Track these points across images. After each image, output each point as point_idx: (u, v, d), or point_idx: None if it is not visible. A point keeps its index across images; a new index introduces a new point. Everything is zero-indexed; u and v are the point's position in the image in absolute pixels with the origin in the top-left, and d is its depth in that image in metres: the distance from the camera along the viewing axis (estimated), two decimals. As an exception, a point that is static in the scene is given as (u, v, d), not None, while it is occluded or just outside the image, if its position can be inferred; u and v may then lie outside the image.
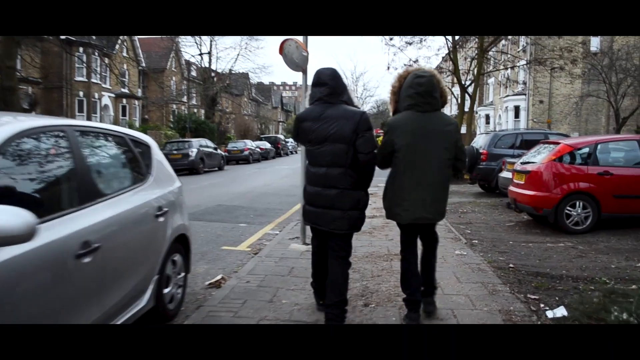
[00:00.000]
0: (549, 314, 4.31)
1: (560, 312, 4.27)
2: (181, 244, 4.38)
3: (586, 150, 8.30)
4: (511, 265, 6.02)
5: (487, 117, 47.91)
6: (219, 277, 5.48)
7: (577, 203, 8.06)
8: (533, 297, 4.81)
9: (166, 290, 4.01)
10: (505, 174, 11.93)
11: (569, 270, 5.86)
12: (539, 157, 8.80)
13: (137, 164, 3.89)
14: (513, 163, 11.52)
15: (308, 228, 4.48)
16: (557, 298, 4.79)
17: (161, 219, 3.84)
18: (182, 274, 4.42)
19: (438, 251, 6.33)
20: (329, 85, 3.72)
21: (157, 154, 4.29)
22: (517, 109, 40.52)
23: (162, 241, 3.87)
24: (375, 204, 11.79)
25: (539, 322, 4.13)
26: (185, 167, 23.52)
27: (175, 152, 23.74)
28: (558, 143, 8.64)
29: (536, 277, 5.55)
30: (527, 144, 13.75)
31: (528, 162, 8.99)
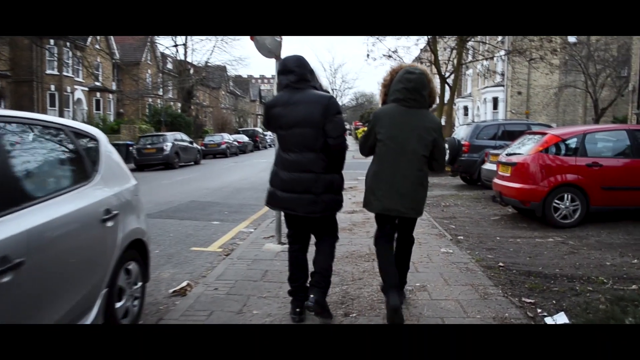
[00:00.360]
0: (548, 320, 3.91)
1: (561, 319, 3.87)
2: (137, 250, 3.87)
3: (574, 140, 7.95)
4: (501, 264, 5.63)
5: (466, 108, 47.89)
6: (184, 283, 4.98)
7: (566, 196, 7.71)
8: (528, 300, 4.41)
9: (119, 304, 3.50)
10: (489, 166, 11.57)
11: (562, 269, 5.48)
12: (525, 148, 8.43)
13: (80, 161, 3.35)
14: (496, 155, 11.17)
15: (284, 226, 4.24)
16: (554, 301, 4.40)
17: (110, 224, 3.33)
18: (139, 284, 3.90)
19: (423, 249, 5.97)
20: (296, 73, 3.70)
21: (107, 148, 3.75)
22: (495, 101, 40.49)
23: (112, 249, 3.36)
24: (354, 198, 11.38)
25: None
26: (159, 162, 22.92)
27: (149, 146, 23.06)
28: (545, 133, 8.28)
29: (529, 277, 5.17)
30: (509, 135, 13.45)
31: (514, 154, 8.62)
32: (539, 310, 4.16)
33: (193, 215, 9.45)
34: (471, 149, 13.34)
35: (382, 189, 3.81)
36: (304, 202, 3.64)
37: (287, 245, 4.19)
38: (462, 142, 13.48)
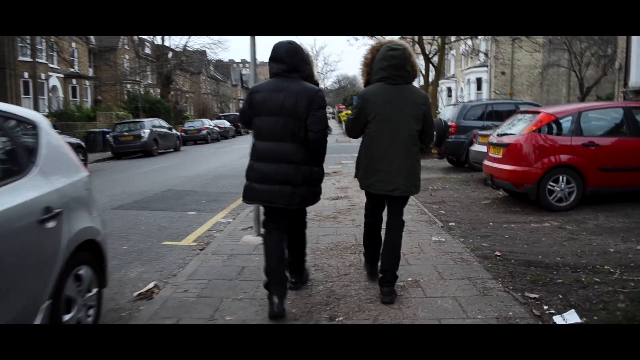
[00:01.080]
0: (558, 319, 3.49)
1: (572, 317, 3.46)
2: (91, 252, 3.37)
3: (569, 119, 7.53)
4: (497, 253, 5.21)
5: (449, 90, 47.58)
6: (151, 284, 4.48)
7: (561, 177, 7.31)
8: (532, 295, 3.98)
9: (67, 317, 2.99)
10: (477, 147, 11.18)
11: (564, 257, 5.08)
12: (517, 128, 8.01)
13: (10, 151, 2.82)
14: (486, 135, 10.77)
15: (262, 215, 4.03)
16: (560, 296, 3.98)
17: (50, 224, 2.81)
18: (94, 291, 3.39)
19: (413, 238, 5.55)
20: (286, 62, 3.61)
21: (49, 136, 3.20)
22: (479, 81, 40.21)
23: (54, 254, 2.84)
24: (339, 183, 10.93)
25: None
26: (137, 150, 22.18)
27: (126, 133, 22.26)
28: (538, 112, 7.85)
29: (529, 268, 4.76)
30: (498, 115, 13.07)
31: (505, 134, 8.19)
32: (546, 307, 3.74)
33: (168, 206, 8.91)
34: (458, 130, 12.93)
35: (383, 170, 3.80)
36: (284, 194, 3.56)
37: (264, 237, 4.06)
38: (449, 123, 13.09)
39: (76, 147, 15.51)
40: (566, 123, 7.53)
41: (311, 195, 3.71)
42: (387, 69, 3.76)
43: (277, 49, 3.64)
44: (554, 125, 7.55)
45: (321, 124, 3.61)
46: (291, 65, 3.60)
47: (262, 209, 4.19)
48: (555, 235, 6.02)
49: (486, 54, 33.38)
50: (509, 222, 6.78)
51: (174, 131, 26.35)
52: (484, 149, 10.51)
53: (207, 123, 34.63)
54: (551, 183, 7.32)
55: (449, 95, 47.21)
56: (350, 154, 19.38)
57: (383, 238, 4.05)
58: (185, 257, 5.51)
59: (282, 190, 3.55)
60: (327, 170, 13.77)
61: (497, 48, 30.81)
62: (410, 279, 4.36)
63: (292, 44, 3.66)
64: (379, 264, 4.02)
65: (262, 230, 4.14)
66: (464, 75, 43.26)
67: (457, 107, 13.70)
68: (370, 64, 3.99)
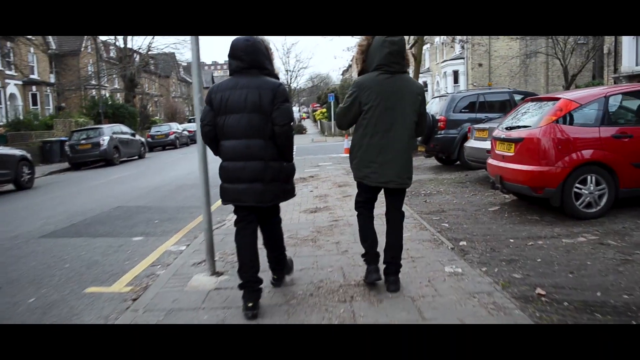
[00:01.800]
0: None
1: None
2: None
3: (595, 105, 6.16)
4: (541, 292, 3.79)
5: (425, 84, 46.58)
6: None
7: (589, 178, 5.95)
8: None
9: None
10: (474, 143, 9.80)
11: (631, 292, 3.69)
12: (530, 120, 6.61)
13: None
14: (483, 129, 9.44)
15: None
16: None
17: None
18: None
19: (420, 270, 4.46)
20: (243, 59, 3.57)
21: None
22: (456, 74, 39.39)
23: None
24: (317, 190, 9.47)
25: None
26: (97, 159, 20.39)
27: (83, 142, 20.43)
28: (557, 99, 6.45)
29: (593, 315, 3.35)
30: (490, 106, 11.81)
31: (515, 127, 6.79)
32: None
33: (111, 229, 7.30)
34: (448, 124, 11.59)
35: (377, 162, 3.74)
36: (254, 192, 3.55)
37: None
38: (437, 117, 11.71)
39: (19, 160, 13.71)
40: (591, 111, 6.16)
41: (282, 192, 3.70)
42: (387, 57, 3.67)
43: (234, 45, 3.58)
44: (577, 114, 6.16)
45: (287, 117, 3.55)
46: (249, 62, 3.56)
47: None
48: (601, 255, 4.63)
49: (462, 47, 32.40)
50: (533, 238, 5.38)
51: (138, 137, 24.54)
52: (481, 144, 9.21)
53: (175, 127, 32.90)
54: (577, 185, 5.95)
55: (425, 90, 46.27)
56: (328, 154, 17.97)
57: (386, 236, 3.97)
58: (109, 315, 3.94)
59: (251, 188, 3.54)
60: (304, 175, 12.35)
61: (471, 40, 29.81)
62: (431, 349, 2.91)
63: (249, 40, 3.56)
64: (381, 258, 3.96)
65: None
66: (439, 68, 42.39)
67: (445, 99, 12.30)
68: (367, 51, 3.83)
